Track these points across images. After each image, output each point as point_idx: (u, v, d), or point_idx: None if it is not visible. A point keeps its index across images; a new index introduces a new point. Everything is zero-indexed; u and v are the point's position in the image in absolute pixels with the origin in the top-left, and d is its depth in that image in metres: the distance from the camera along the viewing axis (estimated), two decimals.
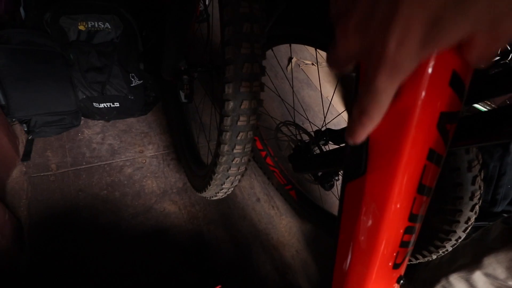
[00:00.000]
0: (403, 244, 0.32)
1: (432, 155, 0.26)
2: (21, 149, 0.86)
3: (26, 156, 0.85)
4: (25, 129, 0.86)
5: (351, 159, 0.31)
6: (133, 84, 0.98)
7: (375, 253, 0.32)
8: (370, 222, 0.30)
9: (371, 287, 0.34)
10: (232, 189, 0.72)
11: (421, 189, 0.28)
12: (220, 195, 0.74)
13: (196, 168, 0.88)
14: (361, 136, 0.21)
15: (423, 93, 0.22)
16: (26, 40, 0.84)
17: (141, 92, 1.01)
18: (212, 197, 0.77)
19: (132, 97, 0.99)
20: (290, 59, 1.64)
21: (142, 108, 1.05)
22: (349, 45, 0.18)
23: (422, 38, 0.15)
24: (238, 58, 0.45)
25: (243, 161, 0.60)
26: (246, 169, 0.64)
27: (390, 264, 0.33)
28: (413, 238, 0.33)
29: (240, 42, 0.45)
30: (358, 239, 0.33)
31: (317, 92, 1.56)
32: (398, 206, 0.28)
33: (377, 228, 0.30)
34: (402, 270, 0.35)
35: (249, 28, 0.45)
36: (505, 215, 0.97)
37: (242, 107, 0.50)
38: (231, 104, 0.49)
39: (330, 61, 0.20)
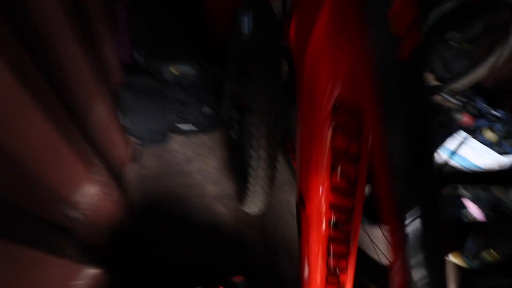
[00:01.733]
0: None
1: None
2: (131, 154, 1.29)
3: (134, 159, 1.27)
4: (137, 142, 1.27)
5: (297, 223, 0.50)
6: (206, 113, 1.29)
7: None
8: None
9: None
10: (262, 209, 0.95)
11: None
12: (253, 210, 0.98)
13: (241, 184, 1.14)
14: None
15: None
16: (139, 81, 1.24)
17: (211, 117, 1.32)
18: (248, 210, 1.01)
19: (204, 121, 1.31)
20: None
21: (211, 129, 1.36)
22: None
23: None
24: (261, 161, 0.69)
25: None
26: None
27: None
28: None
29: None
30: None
31: None
32: (318, 259, 0.46)
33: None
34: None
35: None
36: None
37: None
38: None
39: None
